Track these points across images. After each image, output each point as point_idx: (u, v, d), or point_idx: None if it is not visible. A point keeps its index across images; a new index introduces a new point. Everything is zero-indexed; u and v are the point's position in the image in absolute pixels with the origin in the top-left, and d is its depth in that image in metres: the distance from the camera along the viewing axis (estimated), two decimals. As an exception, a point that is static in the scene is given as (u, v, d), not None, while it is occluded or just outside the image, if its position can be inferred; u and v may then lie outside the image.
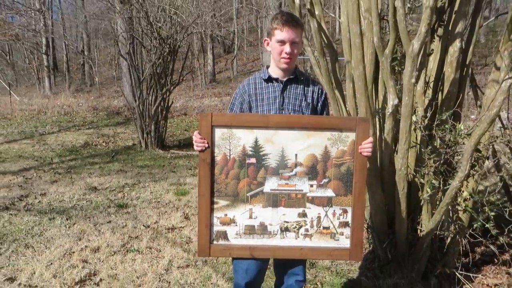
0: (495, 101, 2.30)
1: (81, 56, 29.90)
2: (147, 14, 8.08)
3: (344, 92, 3.22)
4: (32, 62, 31.97)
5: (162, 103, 8.78)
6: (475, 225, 2.79)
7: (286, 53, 2.08)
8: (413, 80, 2.57)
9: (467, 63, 3.11)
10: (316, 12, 3.02)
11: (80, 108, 15.51)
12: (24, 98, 19.10)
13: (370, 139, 2.05)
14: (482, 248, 3.46)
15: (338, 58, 3.31)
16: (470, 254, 3.09)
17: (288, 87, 2.21)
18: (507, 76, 2.23)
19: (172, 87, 8.83)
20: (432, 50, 3.07)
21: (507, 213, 2.93)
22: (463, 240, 3.04)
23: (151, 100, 8.69)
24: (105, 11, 17.68)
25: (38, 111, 14.87)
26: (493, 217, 2.75)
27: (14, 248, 3.68)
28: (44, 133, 10.94)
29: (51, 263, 3.37)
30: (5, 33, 29.64)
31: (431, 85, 3.02)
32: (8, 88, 17.52)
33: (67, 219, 4.41)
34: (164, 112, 8.95)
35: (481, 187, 5.45)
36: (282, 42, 2.07)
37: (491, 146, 3.04)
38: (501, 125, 3.16)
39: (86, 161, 7.71)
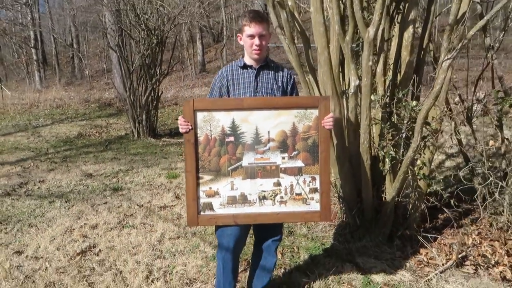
0: (438, 79, 2.65)
1: (70, 49, 29.85)
2: (134, 6, 8.32)
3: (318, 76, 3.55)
4: (21, 56, 31.86)
5: (152, 93, 9.06)
6: (428, 190, 3.17)
7: (256, 45, 2.41)
8: (370, 63, 2.91)
9: (424, 47, 3.47)
10: (289, 3, 3.32)
11: (71, 101, 15.70)
12: (15, 92, 19.21)
13: (331, 114, 2.40)
14: (445, 214, 3.83)
15: (311, 45, 3.64)
16: (428, 218, 3.47)
17: (261, 73, 2.54)
18: (446, 57, 2.58)
19: (161, 77, 9.10)
20: (393, 35, 3.41)
21: (463, 178, 3.31)
22: (421, 205, 3.42)
23: (142, 91, 8.96)
24: (93, 4, 17.76)
25: (30, 105, 15.05)
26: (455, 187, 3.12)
27: (19, 227, 4.01)
28: (37, 125, 11.18)
29: (54, 239, 3.71)
30: (-8, 28, 29.47)
31: (392, 67, 3.37)
32: (0, 83, 17.61)
33: (66, 202, 4.74)
34: (154, 102, 9.23)
35: (449, 163, 5.86)
36: (252, 36, 2.39)
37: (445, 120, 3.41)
38: (449, 103, 3.51)
39: (80, 150, 8.01)
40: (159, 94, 9.35)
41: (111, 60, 17.15)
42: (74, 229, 3.92)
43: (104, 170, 6.29)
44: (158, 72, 8.97)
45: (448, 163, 6.00)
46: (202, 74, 24.30)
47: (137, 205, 4.61)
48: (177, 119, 11.74)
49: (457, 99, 3.74)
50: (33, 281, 2.98)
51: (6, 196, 5.00)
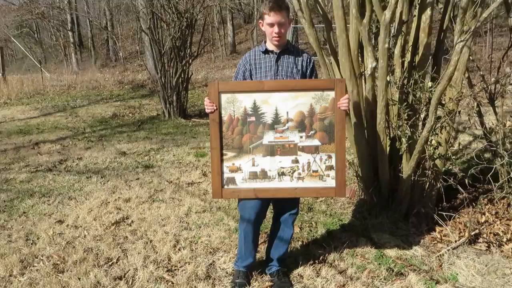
0: (451, 61, 2.72)
1: (104, 32, 30.59)
2: (165, -10, 8.54)
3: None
4: (59, 39, 32.98)
5: (182, 74, 9.33)
6: (444, 169, 3.25)
7: (275, 33, 2.56)
8: (387, 45, 3.00)
9: (444, 28, 3.50)
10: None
11: (106, 83, 16.26)
12: (53, 74, 20.01)
13: (346, 95, 2.53)
14: (464, 195, 3.89)
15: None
16: (444, 197, 3.55)
17: (281, 57, 2.69)
18: (459, 40, 2.64)
19: (191, 59, 9.34)
20: (415, 16, 3.46)
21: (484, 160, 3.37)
22: (438, 184, 3.51)
23: (172, 72, 9.24)
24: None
25: (68, 86, 15.71)
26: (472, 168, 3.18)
27: (60, 199, 4.37)
28: (75, 106, 11.72)
29: (91, 210, 4.04)
30: (31, 12, 30.54)
31: (410, 49, 3.43)
32: (40, 66, 18.39)
33: (101, 177, 5.09)
34: (184, 83, 9.50)
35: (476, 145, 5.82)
36: (271, 25, 2.54)
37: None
38: (471, 84, 3.54)
39: (115, 130, 8.41)
40: (189, 76, 9.61)
41: (143, 42, 17.56)
42: (109, 202, 4.24)
43: (136, 148, 6.63)
44: (188, 54, 9.20)
45: (474, 145, 5.97)
46: (232, 55, 24.45)
47: (167, 181, 4.89)
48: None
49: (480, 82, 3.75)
50: (73, 247, 3.30)
51: (48, 172, 5.40)
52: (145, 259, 3.05)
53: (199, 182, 4.85)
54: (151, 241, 3.36)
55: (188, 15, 8.75)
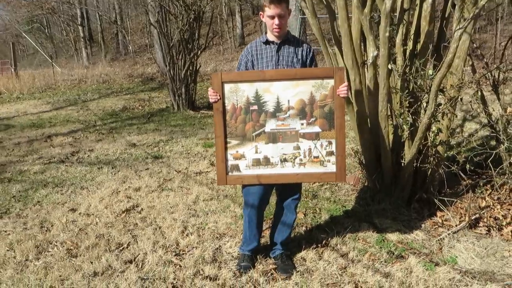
0: (450, 48, 2.77)
1: (114, 26, 30.79)
2: (172, -17, 8.61)
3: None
4: (69, 34, 33.31)
5: (190, 67, 9.42)
6: (445, 156, 3.31)
7: (276, 25, 2.63)
8: (387, 34, 3.05)
9: (446, 16, 3.53)
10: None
11: (116, 76, 16.46)
12: (64, 69, 20.28)
13: (345, 83, 2.60)
14: (467, 181, 3.94)
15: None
16: (446, 183, 3.61)
17: (282, 47, 2.76)
18: (458, 27, 2.68)
19: (199, 52, 9.42)
20: (417, 4, 3.49)
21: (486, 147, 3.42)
22: (439, 170, 3.56)
23: (181, 65, 9.33)
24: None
25: (79, 80, 15.95)
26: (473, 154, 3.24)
27: (72, 189, 4.52)
28: (86, 100, 11.92)
29: (103, 199, 4.17)
30: (42, 7, 30.83)
31: (412, 37, 3.47)
32: (51, 61, 18.66)
33: (112, 168, 5.23)
34: (193, 75, 9.60)
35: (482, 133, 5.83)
36: (272, 17, 2.61)
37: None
38: (475, 70, 3.57)
39: (125, 122, 8.56)
40: (198, 68, 9.70)
41: (152, 35, 17.67)
42: (119, 191, 4.38)
43: (146, 140, 6.76)
44: (196, 46, 9.29)
45: (481, 133, 5.98)
46: (241, 47, 24.42)
47: (175, 171, 5.01)
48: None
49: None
50: (86, 233, 3.43)
51: (60, 163, 5.56)
52: (154, 244, 3.18)
53: (207, 171, 4.96)
54: (160, 228, 3.48)
55: (196, 8, 8.82)
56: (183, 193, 4.26)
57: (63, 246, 3.23)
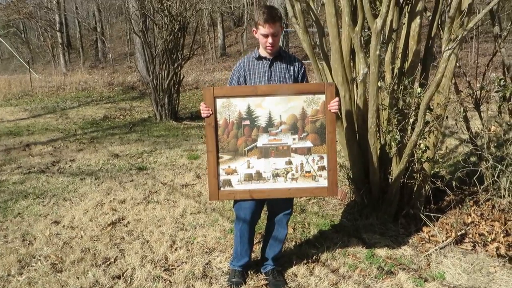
0: (439, 68, 2.85)
1: (93, 33, 30.44)
2: (158, -7, 8.60)
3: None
4: (47, 39, 32.71)
5: (174, 77, 9.38)
6: (432, 172, 3.38)
7: (269, 43, 2.65)
8: (378, 52, 3.11)
9: (432, 36, 3.63)
10: (305, -7, 3.52)
11: (96, 84, 16.23)
12: (41, 75, 19.88)
13: (337, 98, 2.64)
14: (450, 197, 4.03)
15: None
16: (432, 199, 3.68)
17: (274, 63, 2.79)
18: (447, 48, 2.76)
19: (183, 62, 9.40)
20: (404, 24, 3.58)
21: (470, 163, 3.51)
22: (426, 186, 3.63)
23: (164, 75, 9.28)
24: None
25: (57, 87, 15.65)
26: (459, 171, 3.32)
27: (54, 201, 4.41)
28: (65, 108, 11.70)
29: (87, 211, 4.08)
30: (19, 11, 30.23)
31: (400, 55, 3.55)
32: (28, 67, 18.25)
33: (95, 179, 5.13)
34: (176, 85, 9.55)
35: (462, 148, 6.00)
36: (265, 36, 2.64)
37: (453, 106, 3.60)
38: (458, 90, 3.68)
39: (106, 132, 8.43)
40: (181, 78, 9.66)
41: (134, 43, 17.53)
42: (104, 203, 4.29)
43: (129, 151, 6.67)
44: (180, 56, 9.26)
45: (461, 149, 6.14)
46: (222, 58, 24.54)
47: (161, 183, 4.95)
48: (198, 103, 12.05)
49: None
50: (71, 247, 3.34)
51: (41, 173, 5.42)
52: (142, 259, 3.12)
53: (193, 184, 4.92)
54: (147, 242, 3.42)
55: (181, 18, 8.82)
56: (169, 206, 4.21)
57: (47, 261, 3.13)
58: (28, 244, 3.43)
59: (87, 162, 5.97)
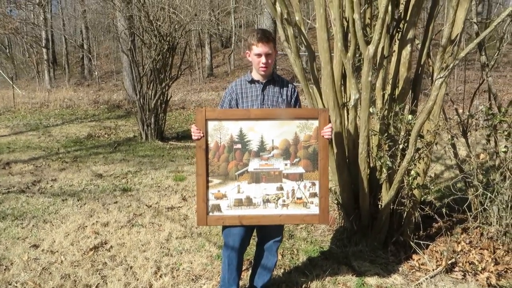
0: (431, 96, 2.86)
1: (80, 50, 30.28)
2: (148, 13, 8.59)
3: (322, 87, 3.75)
4: (32, 55, 32.39)
5: (161, 97, 9.31)
6: (422, 199, 3.36)
7: (262, 63, 2.63)
8: (370, 78, 3.11)
9: (422, 63, 3.67)
10: (296, 18, 3.53)
11: (81, 102, 16.02)
12: (24, 91, 19.59)
13: (330, 125, 2.62)
14: (439, 223, 4.01)
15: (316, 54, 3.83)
16: (422, 226, 3.66)
17: (267, 87, 2.76)
18: (439, 76, 2.78)
19: (171, 82, 9.36)
20: (394, 51, 3.62)
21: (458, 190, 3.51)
22: (416, 213, 3.61)
23: (151, 94, 9.21)
24: (105, 6, 18.11)
25: (40, 104, 15.38)
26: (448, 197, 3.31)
27: (34, 223, 4.24)
28: (48, 125, 11.47)
29: (68, 234, 3.93)
30: (5, 27, 29.97)
31: (391, 82, 3.57)
32: (11, 82, 17.96)
33: (78, 200, 4.97)
34: (163, 105, 9.48)
35: (448, 174, 6.04)
36: (259, 55, 2.62)
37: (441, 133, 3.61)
38: (446, 117, 3.71)
39: (90, 151, 8.26)
40: (168, 98, 9.60)
41: (121, 62, 17.47)
42: (86, 226, 4.15)
43: (113, 171, 6.52)
44: (168, 76, 9.23)
45: (447, 175, 6.19)
46: (209, 78, 24.60)
47: (146, 205, 4.83)
48: (184, 123, 11.95)
49: (454, 115, 3.93)
50: (50, 273, 3.20)
51: (20, 193, 5.24)
52: (125, 286, 3.00)
53: (179, 206, 4.81)
54: (131, 268, 3.30)
55: (170, 39, 8.82)
56: (154, 230, 4.09)
57: (24, 288, 2.98)
58: (4, 269, 3.26)
59: (69, 182, 5.81)
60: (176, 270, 3.26)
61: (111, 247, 3.68)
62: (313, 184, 2.67)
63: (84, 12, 27.11)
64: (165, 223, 4.25)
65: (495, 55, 3.91)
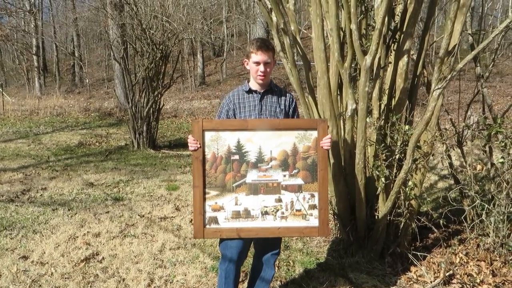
0: (428, 107, 2.85)
1: (70, 57, 30.10)
2: (141, 22, 8.56)
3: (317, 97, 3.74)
4: (22, 62, 32.10)
5: (154, 105, 9.25)
6: (419, 210, 3.34)
7: (261, 71, 2.60)
8: (367, 89, 3.10)
9: (418, 74, 3.68)
10: (292, 28, 3.52)
11: (71, 109, 15.87)
12: (14, 98, 19.37)
13: (329, 135, 2.58)
14: (435, 234, 3.99)
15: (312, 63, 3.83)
16: (419, 237, 3.63)
17: (265, 97, 2.72)
18: (436, 87, 2.78)
19: (163, 90, 9.30)
20: (390, 62, 3.62)
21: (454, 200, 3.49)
22: (412, 224, 3.58)
23: (144, 103, 9.15)
24: (97, 14, 18.05)
25: (30, 111, 15.21)
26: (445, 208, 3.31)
27: (23, 233, 4.14)
28: (38, 133, 11.32)
29: (58, 245, 3.84)
30: (-6, 34, 29.72)
31: (387, 92, 3.57)
32: (1, 89, 17.75)
33: (68, 210, 4.88)
34: (155, 113, 9.41)
35: (442, 184, 6.06)
36: (257, 63, 2.58)
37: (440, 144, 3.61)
38: (443, 128, 3.71)
39: (81, 159, 8.14)
40: (161, 107, 9.54)
41: (113, 70, 17.38)
42: (77, 237, 4.06)
43: (105, 179, 6.43)
44: (160, 85, 9.17)
45: (441, 184, 6.19)
46: (201, 86, 24.56)
47: (138, 215, 4.75)
48: (176, 132, 11.87)
49: (447, 125, 3.93)
50: (40, 285, 3.11)
51: (9, 203, 5.13)
52: (118, 300, 2.91)
53: (172, 216, 4.74)
54: (123, 280, 3.22)
55: (163, 47, 8.78)
56: (147, 241, 4.01)
57: (13, 301, 2.89)
58: (-8, 281, 3.17)
59: (59, 191, 5.70)
60: (170, 283, 3.19)
61: (103, 258, 3.60)
62: (312, 195, 2.62)
63: (75, 20, 27.00)
64: (158, 234, 4.18)
65: (490, 66, 3.93)
